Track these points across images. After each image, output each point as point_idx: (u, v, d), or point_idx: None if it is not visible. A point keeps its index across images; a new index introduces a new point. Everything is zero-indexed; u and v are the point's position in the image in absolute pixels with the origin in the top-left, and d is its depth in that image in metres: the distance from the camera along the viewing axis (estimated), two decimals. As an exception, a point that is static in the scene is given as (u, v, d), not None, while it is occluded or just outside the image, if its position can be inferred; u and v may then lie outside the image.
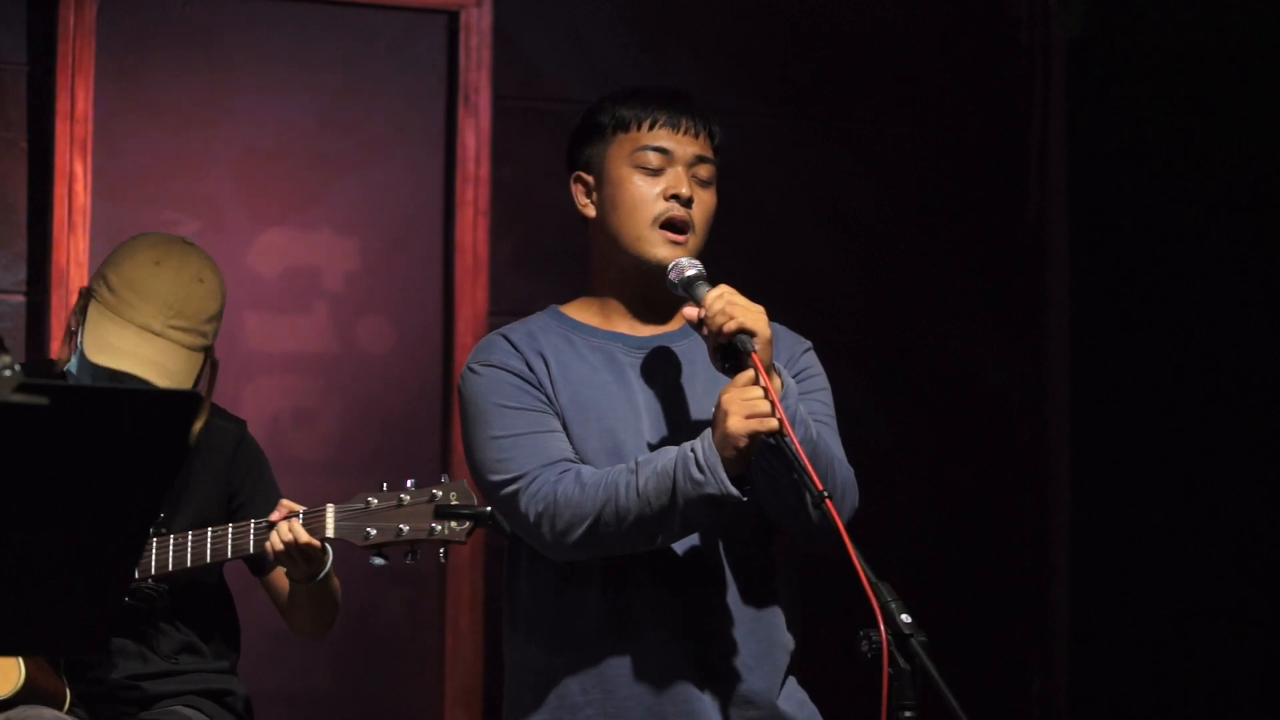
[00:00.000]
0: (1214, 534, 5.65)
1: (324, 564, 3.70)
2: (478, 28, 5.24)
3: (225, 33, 5.13)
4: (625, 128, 3.36)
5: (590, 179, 3.39)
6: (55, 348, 4.77)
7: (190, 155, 5.08)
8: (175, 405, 2.30)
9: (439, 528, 3.51)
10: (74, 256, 4.85)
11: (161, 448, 2.27)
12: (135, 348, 3.79)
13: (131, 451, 2.25)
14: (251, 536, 3.66)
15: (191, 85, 5.09)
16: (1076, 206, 5.67)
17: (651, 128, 3.35)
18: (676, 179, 3.33)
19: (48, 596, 2.31)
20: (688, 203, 3.32)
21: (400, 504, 3.55)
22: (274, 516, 3.64)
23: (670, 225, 3.31)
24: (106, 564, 2.32)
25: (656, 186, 3.33)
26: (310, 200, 5.18)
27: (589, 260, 3.43)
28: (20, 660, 3.71)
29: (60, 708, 3.74)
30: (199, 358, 3.87)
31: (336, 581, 3.84)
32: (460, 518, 3.50)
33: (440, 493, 3.53)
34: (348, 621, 5.08)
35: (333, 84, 5.20)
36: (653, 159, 3.34)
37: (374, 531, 3.55)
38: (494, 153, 5.24)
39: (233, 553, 3.68)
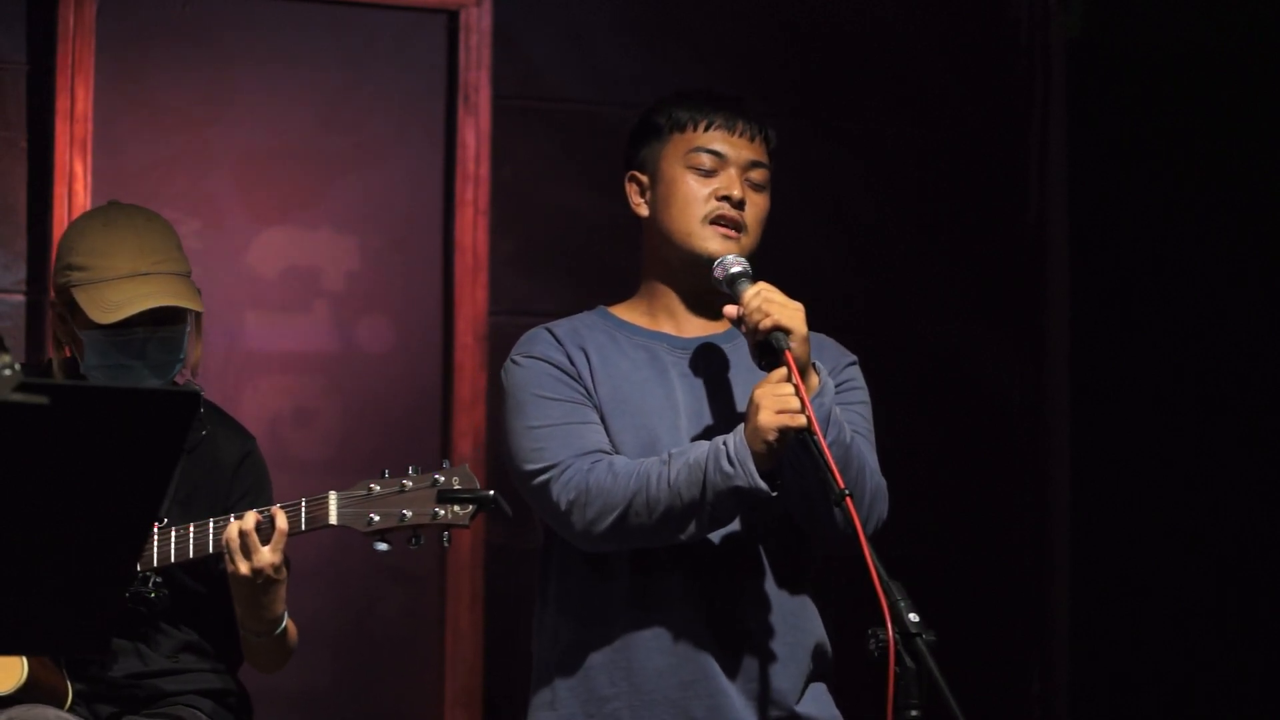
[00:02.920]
0: (1214, 534, 5.65)
1: (280, 614, 3.69)
2: (478, 28, 5.24)
3: (225, 33, 5.12)
4: (681, 128, 3.39)
5: (644, 178, 3.42)
6: (50, 345, 4.76)
7: (190, 155, 5.08)
8: (174, 404, 2.30)
9: (442, 512, 3.51)
10: (74, 256, 4.85)
11: (161, 446, 2.27)
12: (138, 290, 3.78)
13: (131, 450, 2.25)
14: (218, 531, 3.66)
15: (191, 85, 5.09)
16: (1076, 206, 5.67)
17: (707, 129, 3.38)
18: (729, 181, 3.35)
19: (48, 596, 2.31)
20: (739, 204, 3.34)
21: (403, 489, 3.55)
22: (274, 509, 3.64)
23: (720, 221, 3.33)
24: (107, 562, 2.32)
25: (708, 187, 3.36)
26: (310, 200, 5.18)
27: (640, 259, 3.45)
28: (23, 657, 3.70)
29: (62, 705, 3.73)
30: (191, 280, 3.87)
31: (293, 630, 3.82)
32: (463, 501, 3.51)
33: (443, 477, 3.53)
34: (348, 621, 5.09)
35: (333, 84, 5.20)
36: (706, 160, 3.36)
37: (377, 517, 3.55)
38: (494, 152, 5.24)
39: (213, 546, 3.67)
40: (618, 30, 5.41)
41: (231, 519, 3.65)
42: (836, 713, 3.37)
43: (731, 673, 3.28)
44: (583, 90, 5.32)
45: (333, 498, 3.59)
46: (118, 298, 3.78)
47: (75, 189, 4.91)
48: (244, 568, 3.62)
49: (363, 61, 5.22)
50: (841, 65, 5.59)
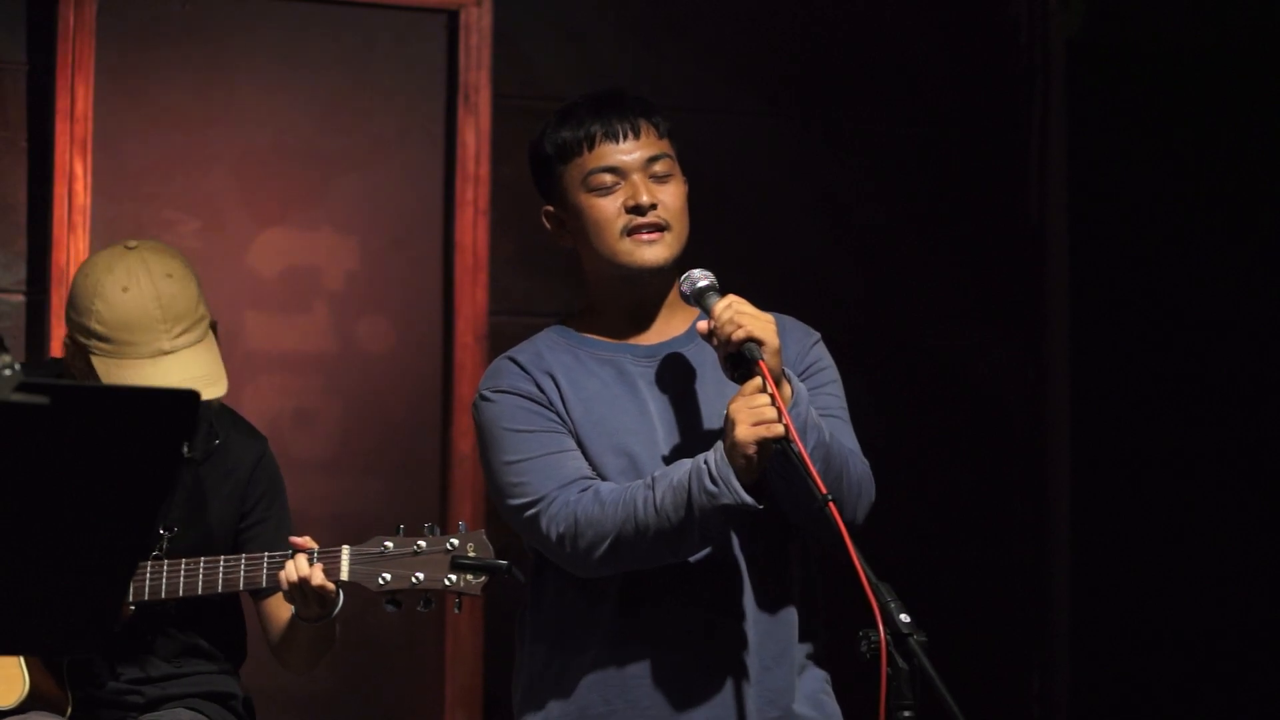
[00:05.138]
0: (1214, 534, 5.65)
1: (335, 604, 3.70)
2: (478, 27, 5.24)
3: (225, 33, 5.12)
4: (568, 157, 3.36)
5: (555, 210, 3.40)
6: (55, 347, 4.77)
7: (190, 154, 5.08)
8: (175, 404, 2.30)
9: (454, 578, 3.50)
10: (74, 256, 4.85)
11: (162, 446, 2.27)
12: (163, 379, 3.74)
13: (131, 451, 2.25)
14: (265, 570, 3.65)
15: (191, 85, 5.09)
16: (1076, 206, 5.67)
17: (592, 147, 3.34)
18: (633, 190, 3.32)
19: (48, 596, 2.31)
20: (650, 208, 3.32)
21: (417, 552, 3.54)
22: (295, 545, 3.64)
23: (639, 231, 3.32)
24: (107, 563, 2.32)
25: (617, 200, 3.33)
26: (310, 200, 5.18)
27: (584, 280, 3.43)
28: (24, 670, 3.70)
29: (63, 714, 3.73)
30: (212, 341, 3.85)
31: (337, 626, 3.83)
32: (476, 570, 3.50)
33: (457, 542, 3.52)
34: (348, 621, 5.08)
35: (333, 83, 5.20)
36: (606, 179, 3.33)
37: (389, 577, 3.54)
38: (494, 152, 5.24)
39: (244, 584, 3.67)
40: (618, 30, 5.41)
41: (265, 561, 3.65)
42: (836, 708, 3.37)
43: (724, 681, 3.28)
44: (582, 90, 5.30)
45: (345, 553, 3.58)
46: (140, 384, 3.75)
47: (75, 189, 4.90)
48: (308, 608, 3.65)
49: (363, 61, 5.22)
50: (841, 65, 5.60)
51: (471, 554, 3.50)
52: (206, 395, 3.76)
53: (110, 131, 4.98)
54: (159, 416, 2.27)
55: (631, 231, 3.32)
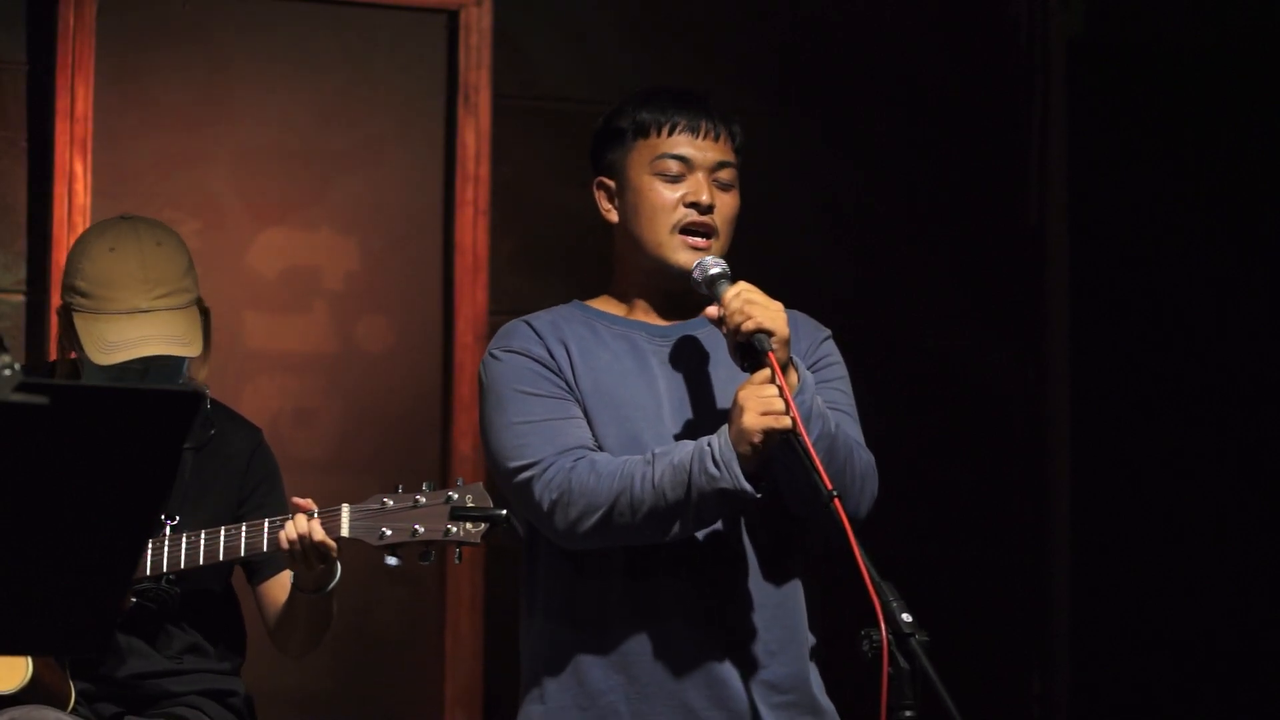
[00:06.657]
0: (1214, 534, 5.65)
1: (333, 573, 3.70)
2: (478, 27, 5.24)
3: (225, 32, 5.13)
4: (645, 134, 3.36)
5: (612, 184, 3.40)
6: (55, 348, 4.77)
7: (190, 154, 5.08)
8: (175, 404, 2.30)
9: (454, 529, 3.51)
10: (74, 256, 4.85)
11: (161, 447, 2.27)
12: (136, 332, 3.79)
13: (131, 451, 2.25)
14: (265, 534, 3.65)
15: (191, 85, 5.09)
16: (1076, 206, 5.67)
17: (671, 133, 3.35)
18: (696, 186, 3.33)
19: (48, 596, 2.31)
20: (708, 209, 3.33)
21: (416, 505, 3.54)
22: (296, 504, 3.64)
23: (690, 230, 3.32)
24: (107, 563, 2.32)
25: (677, 193, 3.34)
26: (310, 199, 5.18)
27: (611, 261, 3.44)
28: (28, 657, 3.70)
29: (64, 706, 3.73)
30: (194, 312, 3.87)
31: (335, 604, 3.83)
32: (475, 519, 3.50)
33: (456, 495, 3.53)
34: (347, 621, 5.08)
35: (333, 83, 5.20)
36: (673, 166, 3.34)
37: (389, 531, 3.55)
38: (494, 152, 5.24)
39: (246, 550, 3.67)
40: (618, 30, 5.42)
41: (266, 525, 3.65)
42: (826, 698, 3.38)
43: (727, 660, 3.28)
44: (583, 90, 5.32)
45: (345, 510, 3.59)
46: (114, 338, 3.79)
47: (75, 189, 4.90)
48: (307, 565, 3.64)
49: (363, 61, 5.22)
50: (841, 65, 5.60)
51: (470, 504, 3.51)
52: (179, 353, 3.82)
53: (110, 131, 4.98)
54: (159, 416, 2.27)
55: (684, 230, 3.33)
